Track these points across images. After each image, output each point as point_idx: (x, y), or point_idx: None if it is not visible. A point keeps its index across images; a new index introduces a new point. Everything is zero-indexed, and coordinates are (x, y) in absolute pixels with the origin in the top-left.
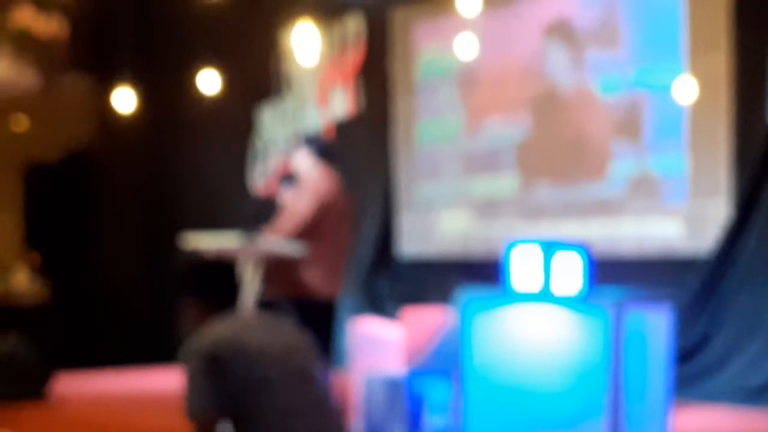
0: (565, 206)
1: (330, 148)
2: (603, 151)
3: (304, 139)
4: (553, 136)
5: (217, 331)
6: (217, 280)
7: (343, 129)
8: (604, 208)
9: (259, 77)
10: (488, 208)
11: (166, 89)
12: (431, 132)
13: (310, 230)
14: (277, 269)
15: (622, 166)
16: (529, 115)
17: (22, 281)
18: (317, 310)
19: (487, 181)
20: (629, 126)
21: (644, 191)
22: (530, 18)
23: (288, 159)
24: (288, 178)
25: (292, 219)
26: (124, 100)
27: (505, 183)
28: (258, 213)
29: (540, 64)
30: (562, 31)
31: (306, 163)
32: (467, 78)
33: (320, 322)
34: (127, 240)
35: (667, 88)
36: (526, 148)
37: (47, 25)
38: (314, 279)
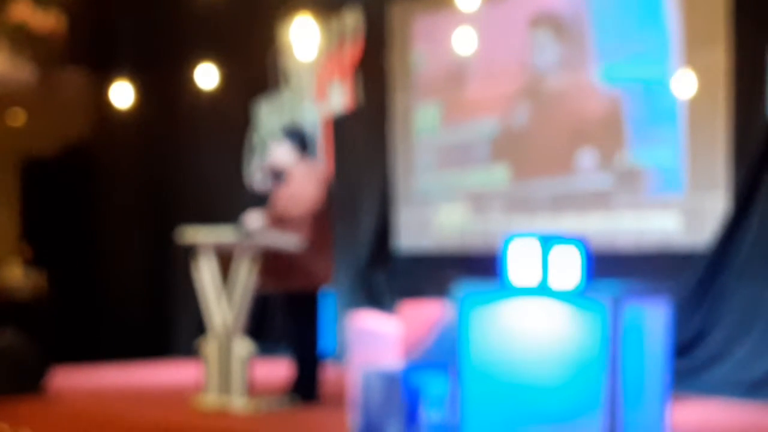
0: (556, 199)
1: (309, 139)
2: (593, 143)
3: (282, 134)
4: (544, 129)
5: None
6: None
7: (341, 123)
8: (598, 201)
9: (256, 71)
10: (485, 202)
11: (163, 84)
12: (426, 125)
13: (314, 216)
14: (273, 262)
15: (615, 158)
16: (519, 108)
17: (17, 275)
18: (310, 300)
19: (480, 174)
20: (624, 119)
21: (638, 184)
22: (524, 10)
23: (270, 156)
24: (277, 174)
25: (305, 203)
26: (122, 94)
27: (497, 175)
28: (255, 207)
29: (531, 56)
30: (548, 22)
31: (288, 158)
32: (461, 71)
33: (312, 312)
34: (125, 234)
35: (664, 82)
36: (517, 140)
37: (45, 20)
38: (310, 269)
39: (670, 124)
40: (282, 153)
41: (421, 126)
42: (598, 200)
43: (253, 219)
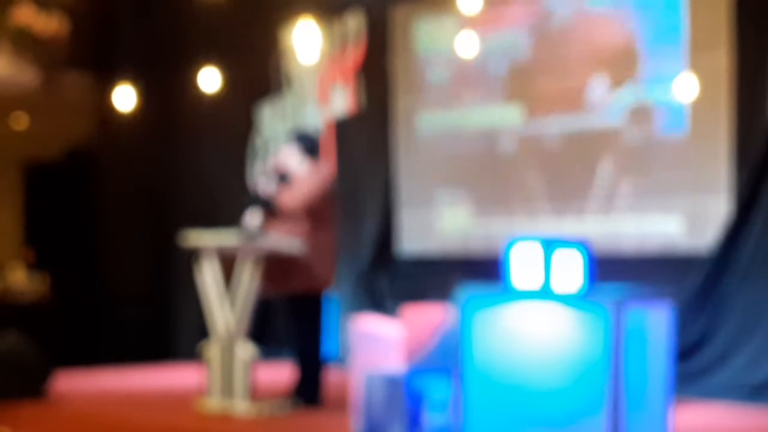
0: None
1: (317, 143)
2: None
3: (293, 137)
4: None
5: None
6: None
7: (344, 127)
8: (601, 204)
9: (259, 75)
10: (489, 206)
11: (166, 87)
12: (428, 123)
13: (312, 214)
14: (276, 266)
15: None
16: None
17: (20, 279)
18: (312, 303)
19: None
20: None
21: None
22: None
23: (277, 157)
24: (282, 176)
25: (307, 191)
26: (125, 98)
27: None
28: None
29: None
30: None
31: (294, 160)
32: (463, 73)
33: (315, 315)
34: (127, 238)
35: (666, 85)
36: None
37: (47, 23)
38: (312, 273)
39: (675, 128)
40: (290, 155)
41: (423, 124)
42: (598, 204)
43: (253, 217)
